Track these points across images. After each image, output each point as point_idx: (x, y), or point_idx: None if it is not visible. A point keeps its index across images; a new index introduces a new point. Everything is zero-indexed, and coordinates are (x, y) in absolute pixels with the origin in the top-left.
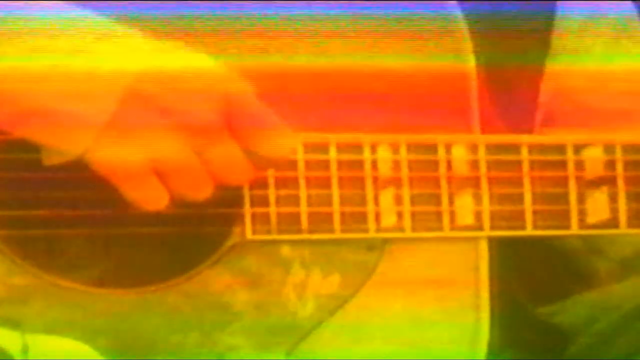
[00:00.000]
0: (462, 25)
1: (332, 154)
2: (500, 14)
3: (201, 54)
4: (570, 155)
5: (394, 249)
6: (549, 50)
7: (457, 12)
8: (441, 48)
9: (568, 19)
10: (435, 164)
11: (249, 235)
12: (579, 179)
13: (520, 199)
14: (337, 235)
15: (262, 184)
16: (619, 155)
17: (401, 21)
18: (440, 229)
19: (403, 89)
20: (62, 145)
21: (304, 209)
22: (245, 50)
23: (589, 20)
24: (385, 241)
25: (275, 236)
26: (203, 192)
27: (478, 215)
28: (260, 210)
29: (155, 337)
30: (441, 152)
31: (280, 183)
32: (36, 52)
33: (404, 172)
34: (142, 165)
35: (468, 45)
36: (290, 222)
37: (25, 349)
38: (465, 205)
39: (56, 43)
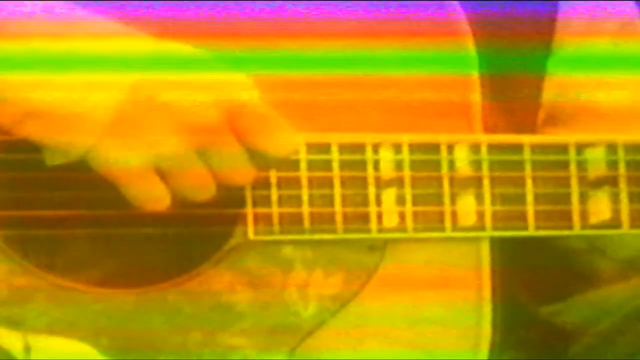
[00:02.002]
0: (464, 25)
1: (335, 154)
2: (503, 13)
3: (203, 55)
4: (572, 156)
5: (395, 249)
6: (551, 50)
7: (459, 12)
8: (443, 48)
9: (570, 18)
10: (437, 164)
11: (251, 235)
12: (581, 179)
13: (522, 199)
14: (339, 235)
15: (265, 184)
16: (621, 155)
17: (402, 21)
18: (442, 229)
19: (405, 90)
20: (65, 146)
21: (306, 209)
22: (246, 49)
23: (591, 20)
24: (387, 241)
25: (277, 236)
26: (205, 193)
27: (480, 216)
28: (262, 210)
29: (157, 337)
30: (443, 152)
31: (283, 183)
32: (39, 53)
33: (406, 173)
34: (144, 165)
35: (470, 44)
36: (293, 222)
37: (27, 349)
38: (467, 206)
39: (59, 44)
